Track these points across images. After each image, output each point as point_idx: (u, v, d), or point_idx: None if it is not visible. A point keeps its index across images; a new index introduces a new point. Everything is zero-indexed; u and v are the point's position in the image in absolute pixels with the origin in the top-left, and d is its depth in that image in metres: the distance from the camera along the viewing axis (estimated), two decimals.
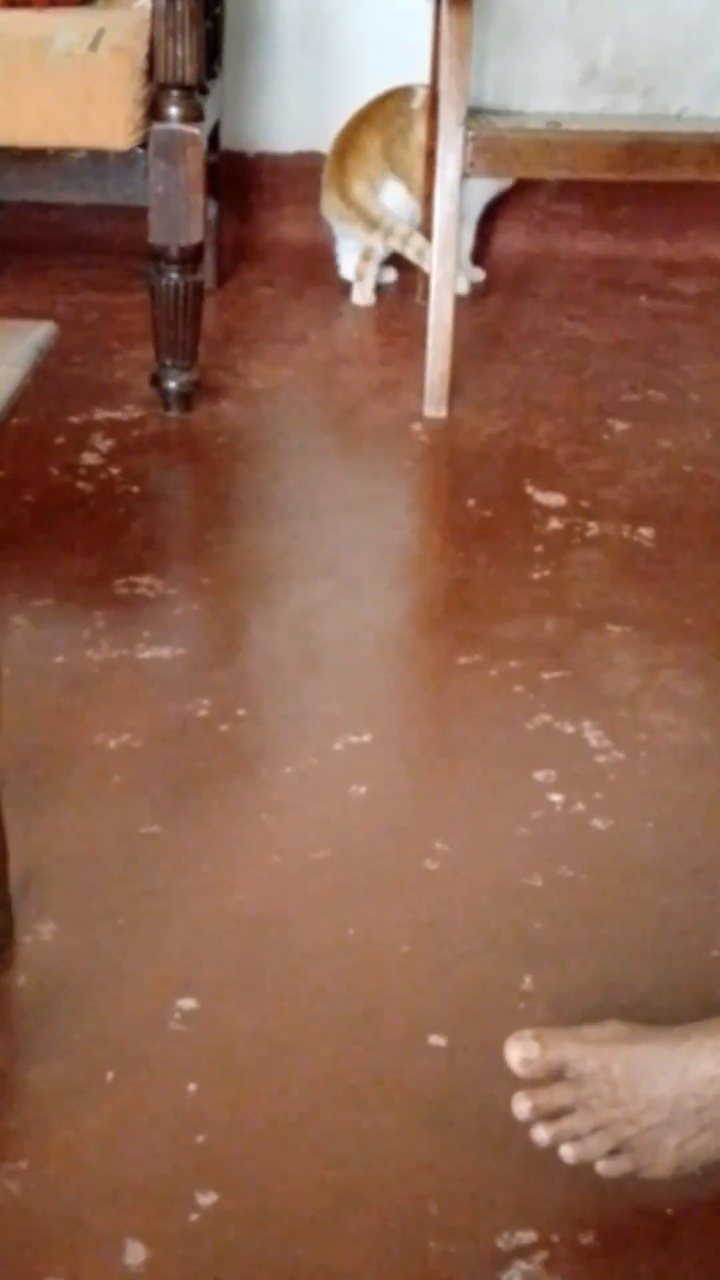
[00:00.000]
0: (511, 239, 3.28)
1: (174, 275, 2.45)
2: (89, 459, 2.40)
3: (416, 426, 2.55)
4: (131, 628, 1.98)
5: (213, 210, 2.89)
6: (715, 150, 2.54)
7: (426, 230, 2.77)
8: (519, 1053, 1.19)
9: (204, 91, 2.45)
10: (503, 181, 3.01)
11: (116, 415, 2.53)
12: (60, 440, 2.45)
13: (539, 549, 2.20)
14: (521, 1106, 1.19)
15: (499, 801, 1.70)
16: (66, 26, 2.40)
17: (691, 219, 3.26)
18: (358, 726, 1.81)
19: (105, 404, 2.57)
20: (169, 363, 2.52)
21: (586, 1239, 1.21)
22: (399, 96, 2.97)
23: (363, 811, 1.68)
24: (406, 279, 3.06)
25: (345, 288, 3.06)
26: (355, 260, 3.01)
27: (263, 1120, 1.30)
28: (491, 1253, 1.20)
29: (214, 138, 2.90)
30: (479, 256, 3.18)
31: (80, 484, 2.33)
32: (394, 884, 1.58)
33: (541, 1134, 1.20)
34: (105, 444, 2.44)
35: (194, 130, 2.37)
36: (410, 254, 2.94)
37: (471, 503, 2.33)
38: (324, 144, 3.18)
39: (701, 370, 2.79)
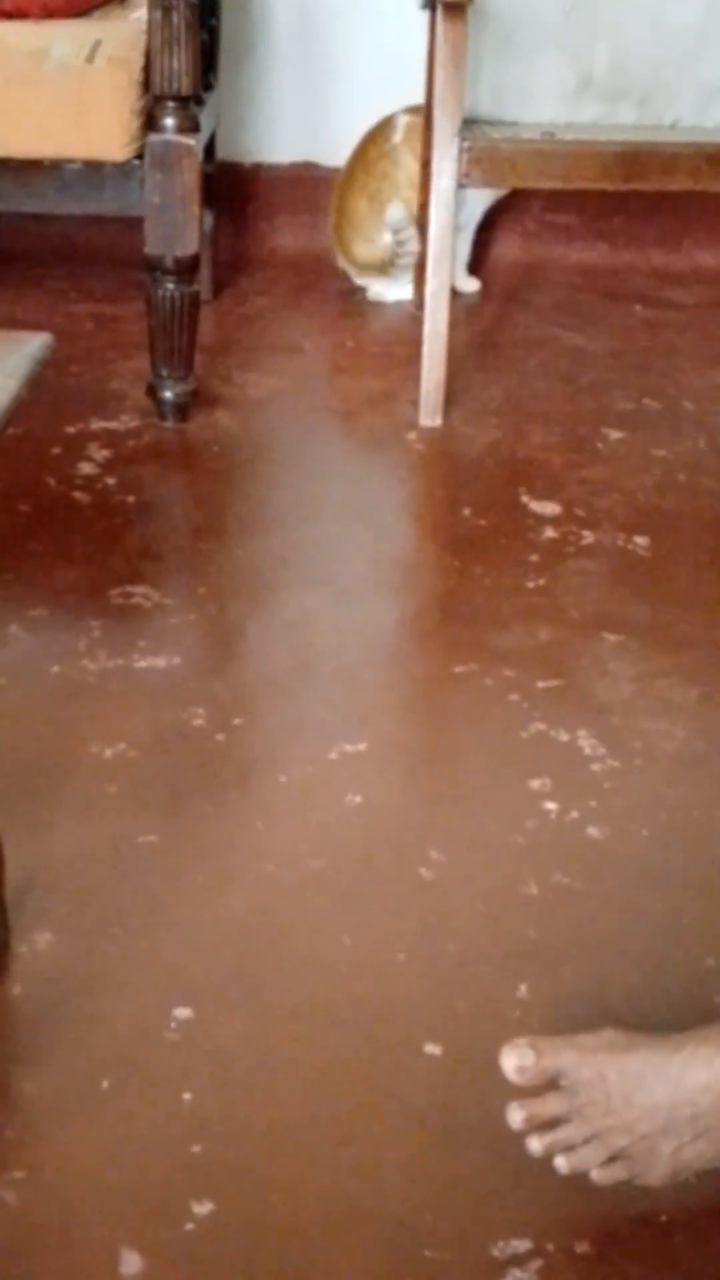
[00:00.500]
0: (507, 249, 3.29)
1: (170, 286, 2.46)
2: (85, 469, 2.40)
3: (412, 436, 2.56)
4: (127, 637, 1.98)
5: (209, 221, 2.90)
6: (709, 160, 2.55)
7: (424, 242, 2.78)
8: (514, 1061, 1.19)
9: (200, 102, 2.46)
10: (500, 190, 3.02)
11: (113, 425, 2.54)
12: (56, 450, 2.45)
13: (534, 558, 2.20)
14: (515, 1116, 1.20)
15: (494, 810, 1.70)
16: (63, 38, 2.40)
17: (686, 228, 3.27)
18: (353, 735, 1.81)
19: (101, 414, 2.57)
20: (165, 373, 2.52)
21: (582, 1247, 1.21)
22: (379, 136, 3.02)
23: (358, 820, 1.68)
24: None
25: (341, 297, 3.06)
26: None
27: (258, 1129, 1.31)
28: (487, 1261, 1.20)
29: (210, 148, 2.91)
30: (475, 266, 3.19)
31: (76, 494, 2.33)
32: (389, 893, 1.58)
33: (536, 1143, 1.20)
34: (101, 454, 2.45)
35: (190, 141, 2.38)
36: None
37: (467, 512, 2.33)
38: (320, 155, 3.20)
39: (696, 379, 2.80)
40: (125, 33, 2.43)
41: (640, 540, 2.26)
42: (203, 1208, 1.23)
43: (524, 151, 2.54)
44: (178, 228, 2.41)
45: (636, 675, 1.94)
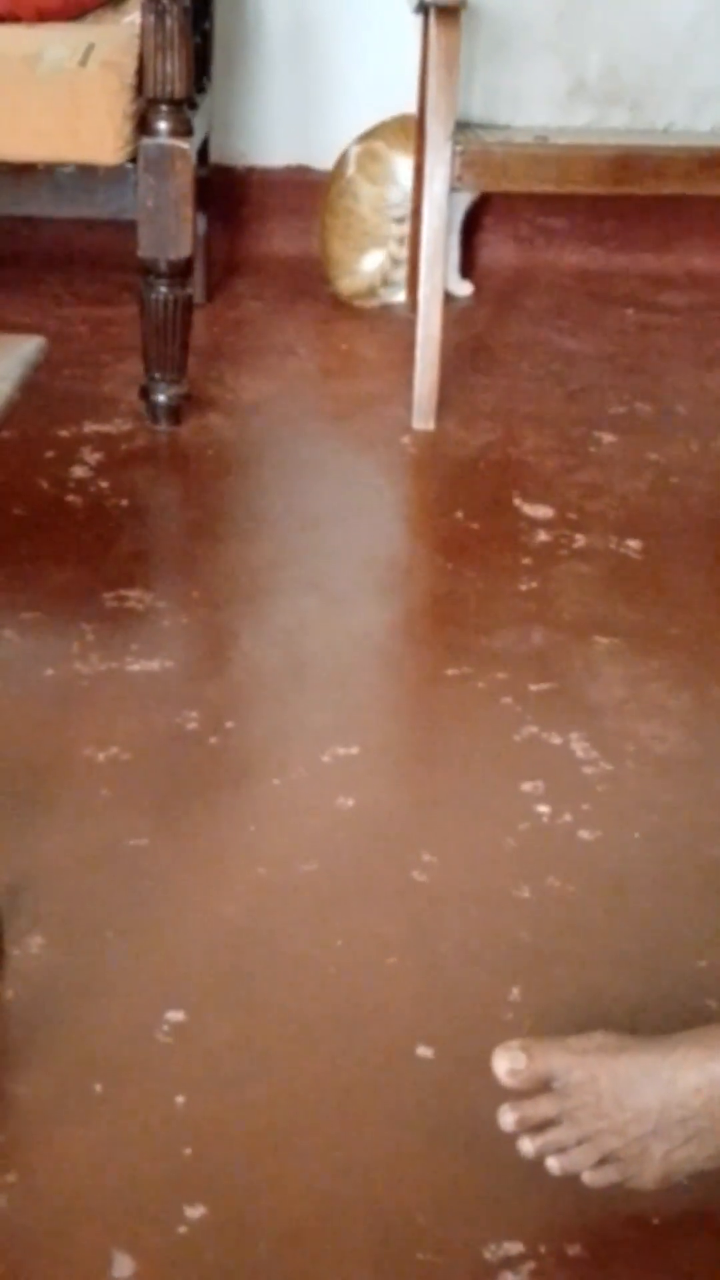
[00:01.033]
0: (499, 252, 3.29)
1: (163, 289, 2.46)
2: (78, 472, 2.40)
3: (405, 439, 2.56)
4: (120, 640, 1.98)
5: (202, 224, 2.89)
6: (702, 164, 2.56)
7: (413, 246, 2.79)
8: (506, 1063, 1.19)
9: (193, 106, 2.46)
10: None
11: (106, 428, 2.54)
12: (49, 453, 2.45)
13: (526, 561, 2.21)
14: (507, 1118, 1.20)
15: (486, 813, 1.71)
16: (56, 41, 2.41)
17: (678, 232, 3.27)
18: (346, 738, 1.81)
19: (94, 417, 2.57)
20: (158, 376, 2.52)
21: (573, 1250, 1.21)
22: (336, 174, 3.05)
23: (350, 823, 1.68)
24: None
25: (334, 301, 3.07)
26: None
27: (251, 1132, 1.31)
28: (479, 1264, 1.20)
29: (203, 152, 2.91)
30: (467, 270, 3.19)
31: (69, 497, 2.33)
32: (382, 896, 1.58)
33: (527, 1146, 1.20)
34: (94, 457, 2.45)
35: (183, 144, 2.38)
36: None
37: (459, 515, 2.33)
38: (313, 158, 3.20)
39: (688, 383, 2.80)
40: (118, 36, 2.43)
41: (632, 543, 2.26)
42: (195, 1210, 1.23)
43: (517, 155, 2.55)
44: (171, 231, 2.41)
45: (629, 678, 1.94)
